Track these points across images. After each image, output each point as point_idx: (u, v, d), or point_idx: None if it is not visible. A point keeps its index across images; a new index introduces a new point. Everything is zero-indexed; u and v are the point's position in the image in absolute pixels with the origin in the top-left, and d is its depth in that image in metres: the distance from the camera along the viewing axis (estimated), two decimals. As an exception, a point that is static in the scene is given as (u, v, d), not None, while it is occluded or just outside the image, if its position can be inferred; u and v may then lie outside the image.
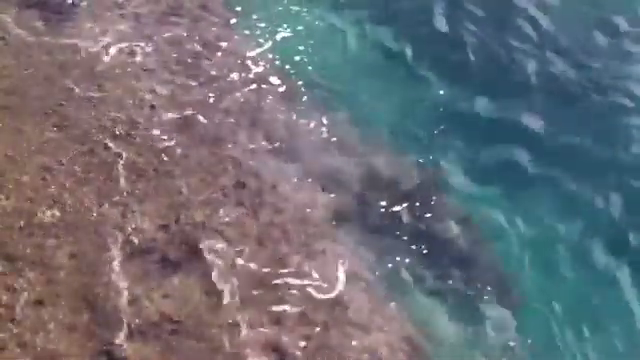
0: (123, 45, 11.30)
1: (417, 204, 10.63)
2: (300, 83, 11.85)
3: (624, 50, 13.62)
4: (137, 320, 8.16)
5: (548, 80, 12.83)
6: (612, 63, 13.33)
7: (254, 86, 11.49)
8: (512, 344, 9.67)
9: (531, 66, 13.03)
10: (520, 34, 13.56)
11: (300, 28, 12.76)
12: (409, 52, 12.96)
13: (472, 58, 12.96)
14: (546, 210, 11.05)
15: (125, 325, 8.10)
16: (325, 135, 11.14)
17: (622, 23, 14.06)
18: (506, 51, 13.24)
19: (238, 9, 12.93)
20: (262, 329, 8.54)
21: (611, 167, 11.69)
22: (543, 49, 13.34)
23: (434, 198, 10.80)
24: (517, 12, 13.84)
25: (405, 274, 9.96)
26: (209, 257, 8.97)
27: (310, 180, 10.47)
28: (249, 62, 11.83)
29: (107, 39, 11.30)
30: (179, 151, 10.05)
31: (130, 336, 8.03)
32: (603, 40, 13.66)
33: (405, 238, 10.28)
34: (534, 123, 12.13)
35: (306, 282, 9.19)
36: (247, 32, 12.48)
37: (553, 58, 13.13)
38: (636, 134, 12.21)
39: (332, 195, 10.41)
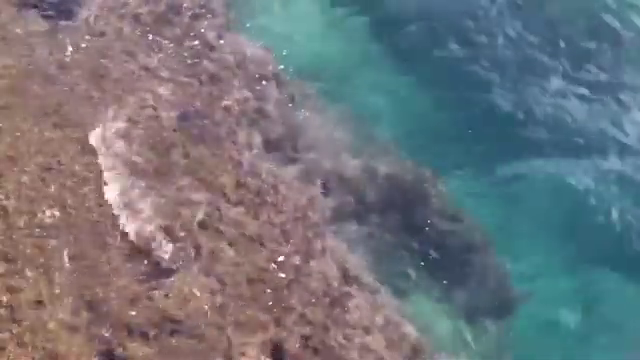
0: (123, 45, 11.29)
1: (416, 204, 10.65)
2: (301, 83, 11.84)
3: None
4: (137, 320, 8.17)
5: (544, 81, 12.83)
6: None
7: (254, 86, 11.49)
8: (512, 344, 9.70)
9: (531, 66, 13.05)
10: (527, 31, 13.51)
11: (301, 28, 12.75)
12: (411, 55, 12.95)
13: (473, 61, 12.95)
14: (547, 209, 11.06)
15: (125, 325, 8.11)
16: (325, 135, 11.14)
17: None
18: (506, 51, 13.23)
19: (238, 9, 12.92)
20: (262, 329, 8.55)
21: (611, 166, 11.70)
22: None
23: (433, 198, 10.82)
24: (516, 11, 13.81)
25: (404, 274, 9.99)
26: (209, 257, 8.98)
27: (310, 180, 10.47)
28: (249, 62, 11.83)
29: (107, 39, 11.30)
30: (179, 151, 10.05)
31: (130, 336, 8.05)
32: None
33: (404, 238, 10.31)
34: (538, 123, 12.15)
35: (306, 282, 9.21)
36: (247, 32, 12.48)
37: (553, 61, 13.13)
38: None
39: (332, 195, 10.42)
